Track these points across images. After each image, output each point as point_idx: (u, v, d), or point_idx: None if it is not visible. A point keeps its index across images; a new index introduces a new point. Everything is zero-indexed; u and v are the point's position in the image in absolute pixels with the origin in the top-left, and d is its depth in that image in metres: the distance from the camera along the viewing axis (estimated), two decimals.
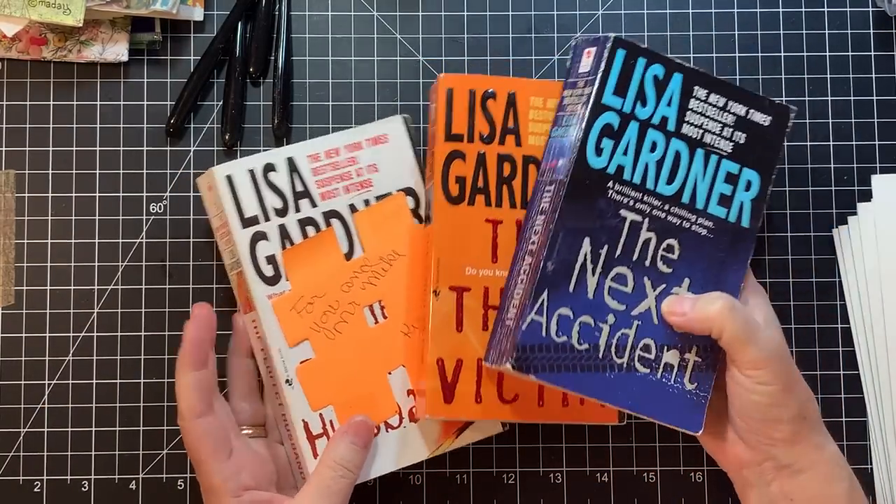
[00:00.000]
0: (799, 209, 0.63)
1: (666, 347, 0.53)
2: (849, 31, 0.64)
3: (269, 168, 0.56)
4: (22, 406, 0.61)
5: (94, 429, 0.61)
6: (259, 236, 0.55)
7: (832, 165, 0.64)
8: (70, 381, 0.61)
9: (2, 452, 0.61)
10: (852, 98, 0.64)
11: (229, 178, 0.55)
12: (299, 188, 0.56)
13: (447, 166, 0.55)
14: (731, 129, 0.54)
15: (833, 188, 0.64)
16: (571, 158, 0.52)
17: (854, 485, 0.53)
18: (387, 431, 0.55)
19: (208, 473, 0.51)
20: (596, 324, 0.52)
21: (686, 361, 0.53)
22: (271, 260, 0.55)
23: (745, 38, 0.64)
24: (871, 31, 0.65)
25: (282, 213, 0.56)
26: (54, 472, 0.61)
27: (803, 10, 0.65)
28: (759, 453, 0.52)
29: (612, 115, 0.52)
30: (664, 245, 0.53)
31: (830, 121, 0.64)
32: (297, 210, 0.56)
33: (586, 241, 0.52)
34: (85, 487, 0.61)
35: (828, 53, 0.64)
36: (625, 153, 0.52)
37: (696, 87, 0.54)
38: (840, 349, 0.62)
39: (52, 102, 0.63)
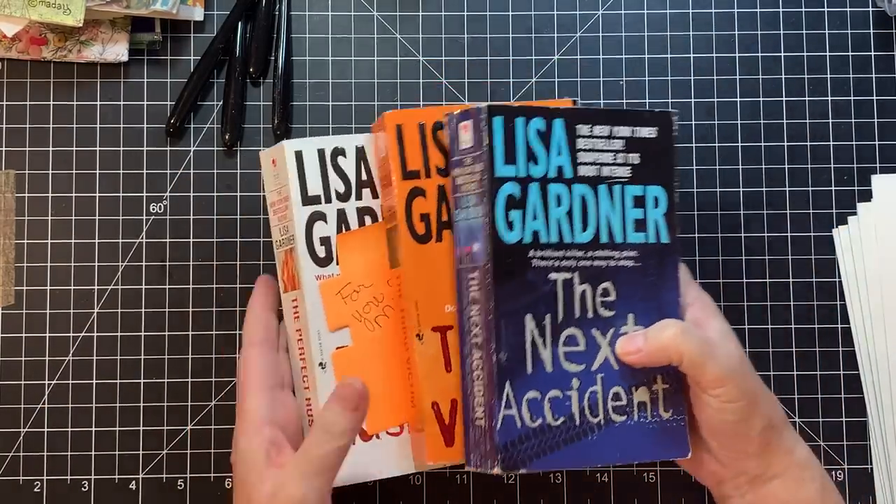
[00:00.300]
0: (799, 209, 0.63)
1: (634, 388, 0.52)
2: (849, 31, 0.64)
3: (338, 152, 0.55)
4: (22, 406, 0.61)
5: (94, 429, 0.61)
6: (317, 216, 0.55)
7: (832, 165, 0.64)
8: (70, 381, 0.61)
9: (2, 452, 0.61)
10: (852, 98, 0.64)
11: (298, 155, 0.54)
12: (364, 177, 0.56)
13: (409, 205, 0.53)
14: (623, 154, 0.53)
15: (833, 188, 0.64)
16: (485, 242, 0.50)
17: (826, 484, 0.53)
18: (395, 436, 0.55)
19: (247, 398, 0.52)
20: (564, 394, 0.51)
21: (656, 393, 0.53)
22: (325, 241, 0.54)
23: (745, 38, 0.64)
24: (871, 31, 0.65)
25: (343, 197, 0.55)
26: (54, 472, 0.61)
27: (803, 10, 0.65)
28: (732, 469, 0.52)
29: (510, 185, 0.51)
30: (600, 291, 0.52)
31: (830, 121, 0.64)
32: (359, 198, 0.55)
33: (528, 318, 0.50)
34: (85, 487, 0.61)
35: (828, 53, 0.64)
36: (534, 218, 0.51)
37: (579, 126, 0.52)
38: (840, 349, 0.62)
39: (52, 102, 0.63)
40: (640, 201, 0.54)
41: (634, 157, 0.54)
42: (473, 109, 0.51)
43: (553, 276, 0.51)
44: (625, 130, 0.53)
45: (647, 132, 0.54)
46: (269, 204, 0.57)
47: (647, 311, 0.53)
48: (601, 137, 0.53)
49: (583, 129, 0.52)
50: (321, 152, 0.55)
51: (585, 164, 0.52)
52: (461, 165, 0.52)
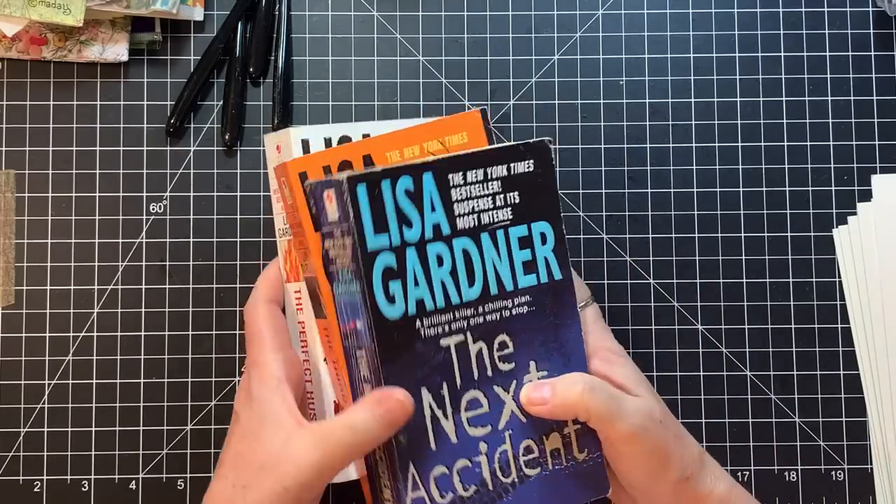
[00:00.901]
0: (799, 209, 0.63)
1: (545, 437, 0.50)
2: (849, 31, 0.64)
3: (344, 140, 0.53)
4: (22, 406, 0.61)
5: (94, 429, 0.61)
6: None
7: (832, 165, 0.64)
8: (70, 381, 0.61)
9: (2, 452, 0.61)
10: (852, 98, 0.64)
11: (305, 143, 0.53)
12: None
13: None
14: (502, 196, 0.49)
15: (833, 188, 0.64)
16: (367, 320, 0.46)
17: None
18: None
19: (265, 352, 0.50)
20: (472, 461, 0.48)
21: (568, 436, 0.50)
22: None
23: (745, 38, 0.64)
24: (871, 31, 0.65)
25: None
26: (54, 472, 0.61)
27: (803, 10, 0.65)
28: None
29: (385, 256, 0.47)
30: (496, 346, 0.49)
31: (830, 121, 0.64)
32: None
33: (423, 391, 0.47)
34: (85, 487, 0.61)
35: (828, 53, 0.64)
36: (416, 285, 0.47)
37: (451, 175, 0.48)
38: (840, 349, 0.62)
39: (52, 102, 0.63)
40: (525, 241, 0.50)
41: (514, 196, 0.50)
42: (335, 180, 0.47)
43: (445, 341, 0.48)
44: (500, 170, 0.49)
45: (524, 166, 0.50)
46: (271, 190, 0.55)
47: (548, 353, 0.50)
48: (476, 183, 0.49)
49: (455, 178, 0.48)
50: (328, 141, 0.54)
51: (463, 215, 0.49)
52: (331, 237, 0.48)
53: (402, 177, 0.48)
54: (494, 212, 0.50)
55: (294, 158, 0.50)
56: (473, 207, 0.49)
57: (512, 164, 0.50)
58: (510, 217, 0.50)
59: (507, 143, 0.50)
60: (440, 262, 0.48)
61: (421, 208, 0.48)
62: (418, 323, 0.47)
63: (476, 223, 0.49)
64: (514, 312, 0.50)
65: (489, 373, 0.49)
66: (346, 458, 0.47)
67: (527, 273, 0.50)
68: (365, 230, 0.47)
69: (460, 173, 0.49)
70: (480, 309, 0.49)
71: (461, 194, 0.49)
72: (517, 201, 0.50)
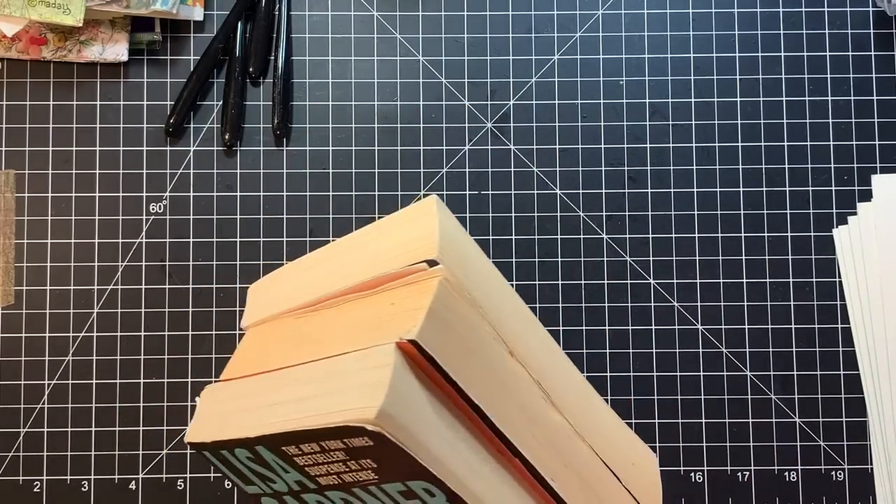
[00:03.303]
0: (799, 209, 0.63)
1: None
2: (849, 31, 0.64)
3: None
4: (22, 406, 0.61)
5: (93, 429, 0.61)
6: None
7: (832, 165, 0.64)
8: (70, 381, 0.61)
9: (2, 452, 0.61)
10: (852, 98, 0.64)
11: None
12: None
13: None
14: (353, 461, 0.42)
15: (833, 188, 0.64)
16: None
17: None
18: None
19: None
20: None
21: None
22: None
23: (745, 38, 0.64)
24: (871, 31, 0.65)
25: None
26: (54, 472, 0.61)
27: (803, 10, 0.65)
28: None
29: (268, 500, 0.46)
30: None
31: (830, 121, 0.64)
32: None
33: None
34: (85, 487, 0.61)
35: (828, 53, 0.64)
36: None
37: (285, 448, 0.43)
38: (840, 349, 0.62)
39: (52, 102, 0.63)
40: (410, 494, 0.42)
41: (368, 462, 0.41)
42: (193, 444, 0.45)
43: None
44: (336, 443, 0.41)
45: (361, 441, 0.40)
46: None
47: None
48: (315, 453, 0.42)
49: (291, 449, 0.42)
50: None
51: (321, 475, 0.43)
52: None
53: (238, 448, 0.44)
54: (355, 473, 0.43)
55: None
56: (328, 470, 0.43)
57: (346, 440, 0.40)
58: (375, 477, 0.42)
59: (331, 424, 0.40)
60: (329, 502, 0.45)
61: (272, 470, 0.44)
62: None
63: (339, 481, 0.43)
64: None
65: None
66: None
67: None
68: (234, 480, 0.46)
69: (293, 446, 0.42)
70: None
71: (307, 461, 0.43)
72: (375, 465, 0.41)
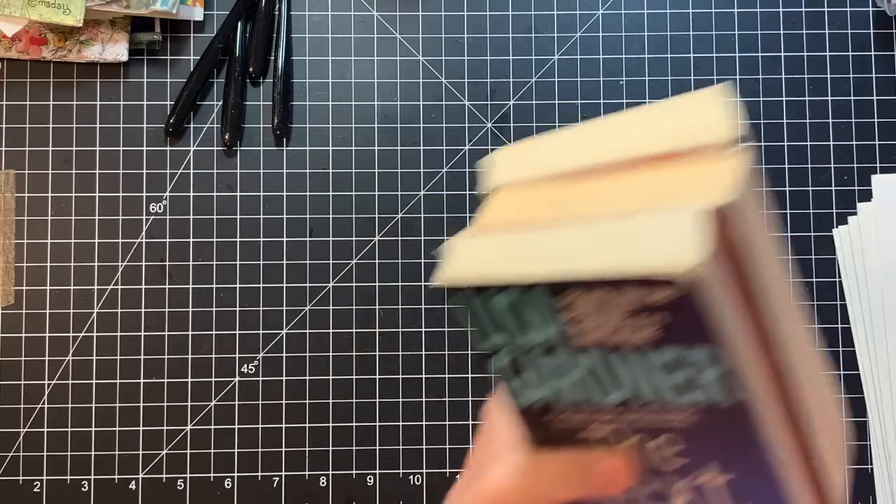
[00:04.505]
0: (799, 209, 0.63)
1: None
2: (849, 31, 0.64)
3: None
4: (22, 406, 0.61)
5: (93, 429, 0.61)
6: None
7: (832, 165, 0.64)
8: (70, 381, 0.61)
9: (2, 452, 0.61)
10: (852, 98, 0.64)
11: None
12: None
13: None
14: (639, 318, 0.41)
15: (833, 188, 0.64)
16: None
17: None
18: None
19: None
20: None
21: None
22: None
23: (745, 38, 0.64)
24: (871, 31, 0.65)
25: None
26: (54, 472, 0.61)
27: (803, 10, 0.65)
28: None
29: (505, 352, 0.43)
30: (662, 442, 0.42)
31: (830, 121, 0.64)
32: None
33: None
34: (85, 487, 0.61)
35: (828, 53, 0.64)
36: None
37: (561, 295, 0.38)
38: (840, 349, 0.62)
39: (51, 102, 0.63)
40: (678, 365, 0.38)
41: (657, 320, 0.37)
42: None
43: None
44: (625, 296, 0.37)
45: (664, 295, 0.36)
46: None
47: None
48: (593, 306, 0.38)
49: (569, 297, 0.39)
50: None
51: (587, 331, 0.40)
52: None
53: (499, 295, 0.38)
54: (630, 333, 0.38)
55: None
56: (597, 324, 0.39)
57: (646, 292, 0.36)
58: (654, 338, 0.38)
59: (645, 272, 0.35)
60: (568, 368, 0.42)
61: (527, 324, 0.40)
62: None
63: (604, 342, 0.39)
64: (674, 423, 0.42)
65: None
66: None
67: (685, 394, 0.39)
68: (472, 332, 0.42)
69: (575, 293, 0.38)
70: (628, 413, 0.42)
71: (581, 311, 0.39)
72: (662, 325, 0.38)
